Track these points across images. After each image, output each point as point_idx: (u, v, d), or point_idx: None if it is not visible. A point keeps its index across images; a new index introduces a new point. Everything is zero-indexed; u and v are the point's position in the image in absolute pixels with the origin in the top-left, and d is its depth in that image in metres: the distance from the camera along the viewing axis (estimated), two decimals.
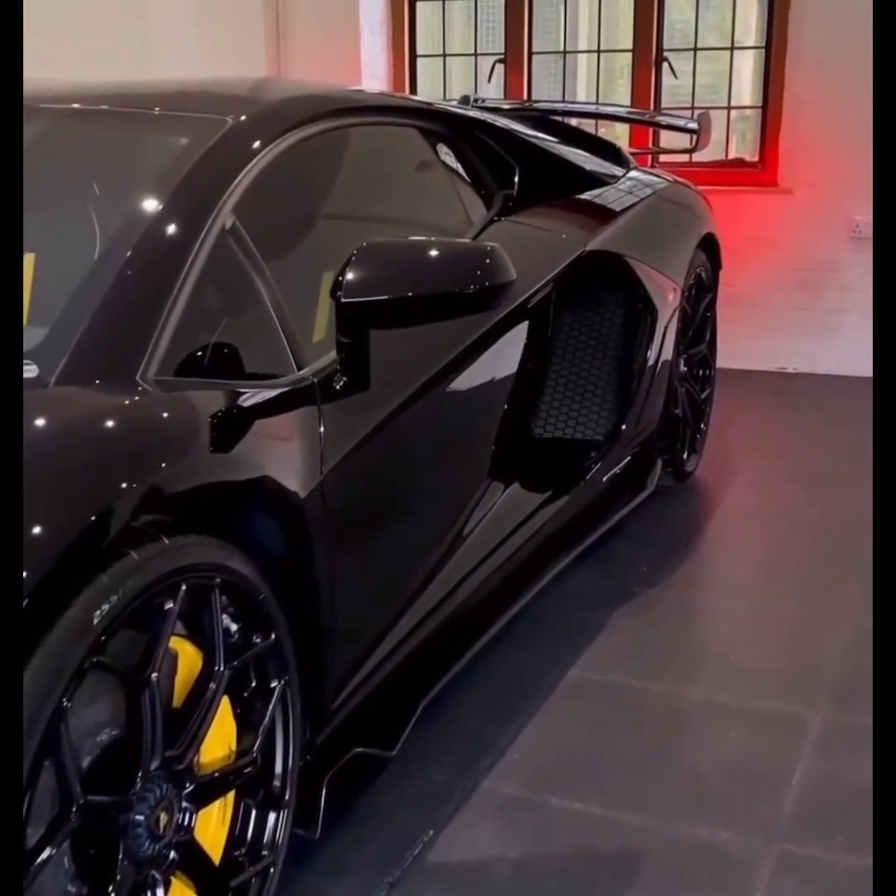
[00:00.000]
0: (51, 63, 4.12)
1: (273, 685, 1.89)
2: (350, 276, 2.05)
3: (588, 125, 6.38)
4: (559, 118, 4.53)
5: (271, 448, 1.93)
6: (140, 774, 1.62)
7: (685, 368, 4.26)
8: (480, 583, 2.96)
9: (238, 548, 1.78)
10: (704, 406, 4.49)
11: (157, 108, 2.58)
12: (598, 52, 6.40)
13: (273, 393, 2.01)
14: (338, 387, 2.15)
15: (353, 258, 2.08)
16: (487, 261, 2.14)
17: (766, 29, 5.93)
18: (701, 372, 4.51)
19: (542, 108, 4.79)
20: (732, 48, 6.17)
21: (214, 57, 6.22)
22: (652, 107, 6.28)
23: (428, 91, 6.64)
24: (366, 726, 2.29)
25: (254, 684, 1.88)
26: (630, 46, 6.16)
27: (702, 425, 4.46)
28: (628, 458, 3.74)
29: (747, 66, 6.62)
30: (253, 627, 1.84)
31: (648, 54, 6.11)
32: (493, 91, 6.54)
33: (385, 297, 2.06)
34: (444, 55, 6.57)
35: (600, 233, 3.45)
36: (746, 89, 6.64)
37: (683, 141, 4.91)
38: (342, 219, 2.75)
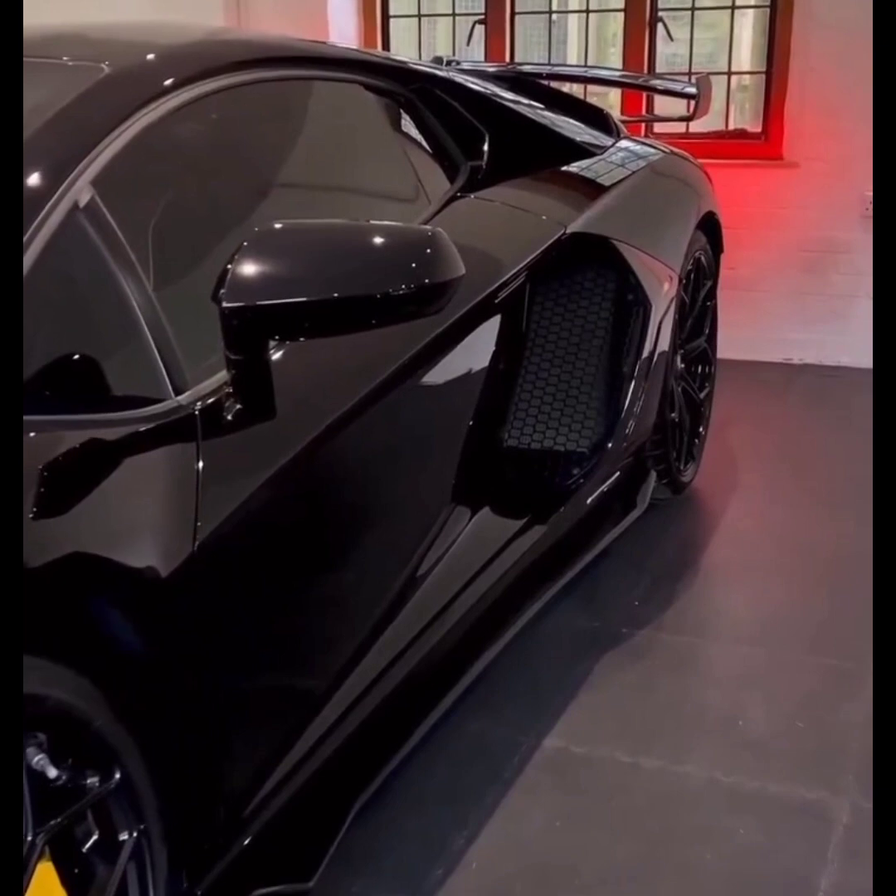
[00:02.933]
0: None
1: (122, 838, 1.38)
2: (238, 272, 1.53)
3: (578, 92, 5.87)
4: (544, 83, 3.99)
5: (123, 507, 1.41)
6: None
7: (682, 365, 3.75)
8: (438, 639, 2.46)
9: (60, 661, 1.26)
10: (703, 407, 3.97)
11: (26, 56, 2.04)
12: (587, 12, 5.86)
13: (130, 429, 1.49)
14: (228, 416, 1.63)
15: (243, 249, 1.55)
16: (428, 251, 1.62)
17: None
18: (700, 369, 3.99)
19: (525, 72, 4.27)
20: (733, 8, 5.63)
21: (170, 16, 5.67)
22: (646, 72, 5.74)
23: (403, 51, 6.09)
24: (275, 853, 1.77)
25: (95, 838, 1.36)
26: (622, 6, 5.60)
27: (700, 429, 3.94)
28: (617, 472, 3.23)
29: (748, 33, 6.12)
30: (85, 766, 1.32)
31: (642, 14, 5.56)
32: (472, 56, 6.01)
33: (285, 300, 1.53)
34: (420, 15, 6.03)
35: (584, 212, 2.93)
36: (747, 58, 6.14)
37: (680, 109, 4.37)
38: (251, 198, 2.20)
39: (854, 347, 5.42)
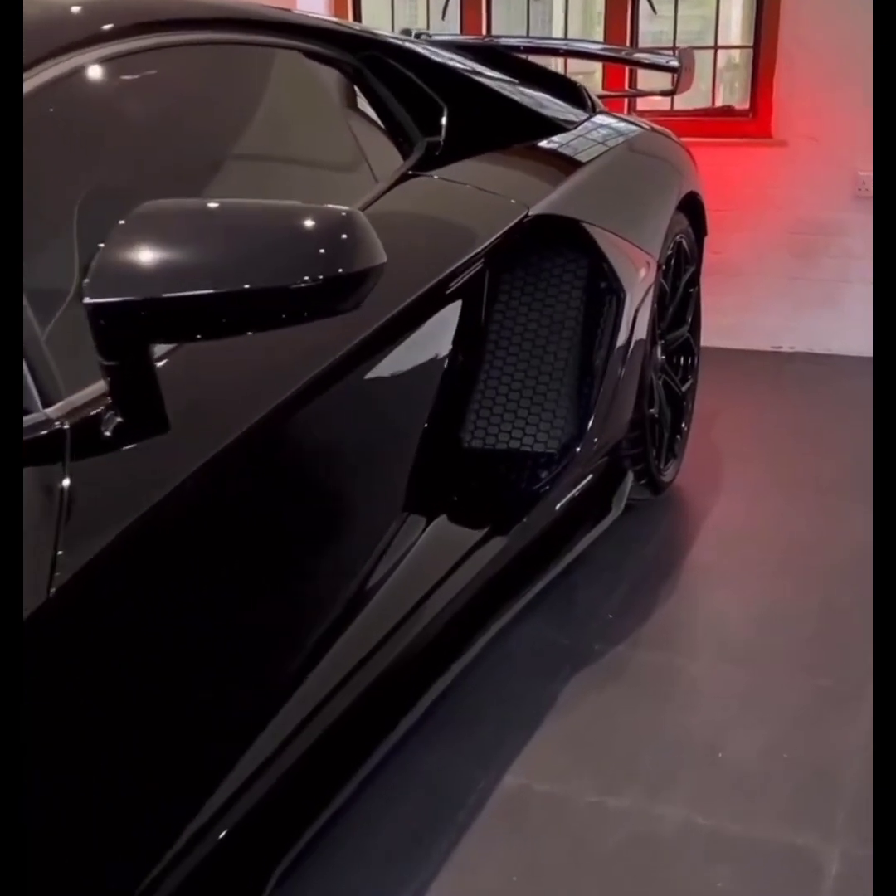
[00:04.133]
0: None
1: None
2: (107, 261, 1.28)
3: (561, 68, 5.62)
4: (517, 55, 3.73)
5: None
6: None
7: (663, 357, 3.50)
8: (388, 665, 2.20)
9: None
10: (686, 401, 3.72)
11: None
12: None
13: None
14: (107, 432, 1.37)
15: (115, 232, 1.30)
16: (343, 237, 1.36)
17: None
18: (682, 360, 3.75)
19: (502, 45, 4.02)
20: None
21: None
22: (629, 44, 5.48)
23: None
24: None
25: None
26: None
27: (683, 425, 3.69)
28: (590, 474, 2.98)
29: (738, 12, 5.87)
30: None
31: None
32: (449, 31, 5.75)
33: (164, 295, 1.27)
34: None
35: (550, 192, 2.67)
36: (737, 37, 5.90)
37: (664, 85, 4.12)
38: (159, 174, 1.94)
39: (846, 334, 5.19)
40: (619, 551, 3.21)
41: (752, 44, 5.26)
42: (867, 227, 5.03)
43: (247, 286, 1.29)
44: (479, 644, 2.45)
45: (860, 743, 2.34)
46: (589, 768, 2.28)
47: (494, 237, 2.38)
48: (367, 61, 2.60)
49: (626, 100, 5.51)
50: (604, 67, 5.56)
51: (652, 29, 5.98)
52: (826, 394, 4.73)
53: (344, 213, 1.37)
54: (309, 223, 1.35)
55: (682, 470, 3.68)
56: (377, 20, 5.87)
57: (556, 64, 5.67)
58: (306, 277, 1.31)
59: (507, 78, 3.12)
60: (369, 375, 2.12)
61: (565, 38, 5.71)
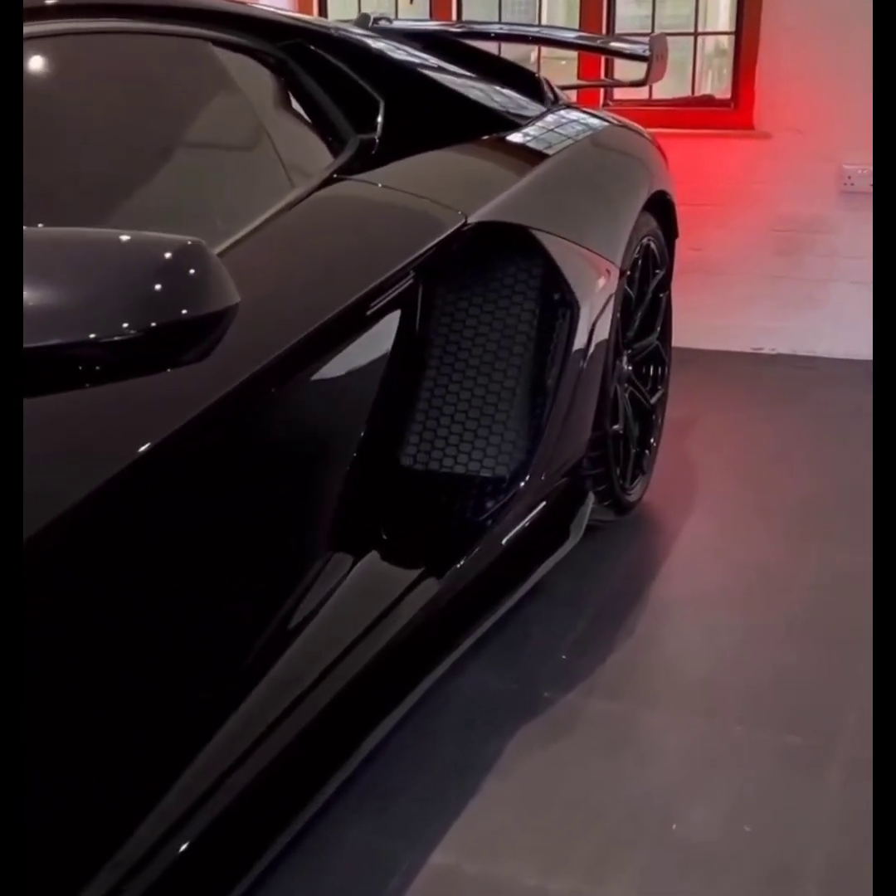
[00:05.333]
0: None
1: None
2: None
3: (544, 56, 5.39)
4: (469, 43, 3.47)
5: None
6: None
7: (629, 367, 3.26)
8: (306, 723, 1.97)
9: None
10: (655, 414, 3.48)
11: None
12: None
13: None
14: None
15: None
16: (191, 272, 1.12)
17: None
18: (651, 370, 3.50)
19: (468, 32, 3.78)
20: None
21: None
22: (605, 31, 5.23)
23: (342, 15, 5.56)
24: None
25: None
26: None
27: (651, 440, 3.45)
28: (543, 501, 2.75)
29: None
30: None
31: None
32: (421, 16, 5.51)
33: None
34: None
35: (494, 196, 2.42)
36: (724, 23, 5.64)
37: (641, 73, 3.87)
38: (35, 182, 1.68)
39: (831, 336, 4.96)
40: (577, 581, 2.98)
41: (733, 30, 5.01)
42: (854, 223, 4.80)
43: (58, 339, 1.05)
44: (413, 697, 2.21)
45: (830, 811, 2.11)
46: (528, 844, 2.04)
47: (424, 249, 2.13)
48: (291, 51, 2.35)
49: (601, 90, 5.27)
50: (579, 56, 5.31)
51: (639, 13, 5.73)
52: (809, 400, 4.49)
53: (189, 243, 1.13)
54: (140, 257, 1.10)
55: (652, 485, 3.45)
56: (346, 8, 5.61)
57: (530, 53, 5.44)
58: (141, 323, 1.06)
59: (456, 69, 2.87)
60: (285, 399, 1.89)
61: (539, 25, 5.46)
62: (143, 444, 1.41)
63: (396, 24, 3.57)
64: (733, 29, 5.02)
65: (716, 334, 5.03)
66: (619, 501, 3.20)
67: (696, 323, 4.87)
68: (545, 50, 5.84)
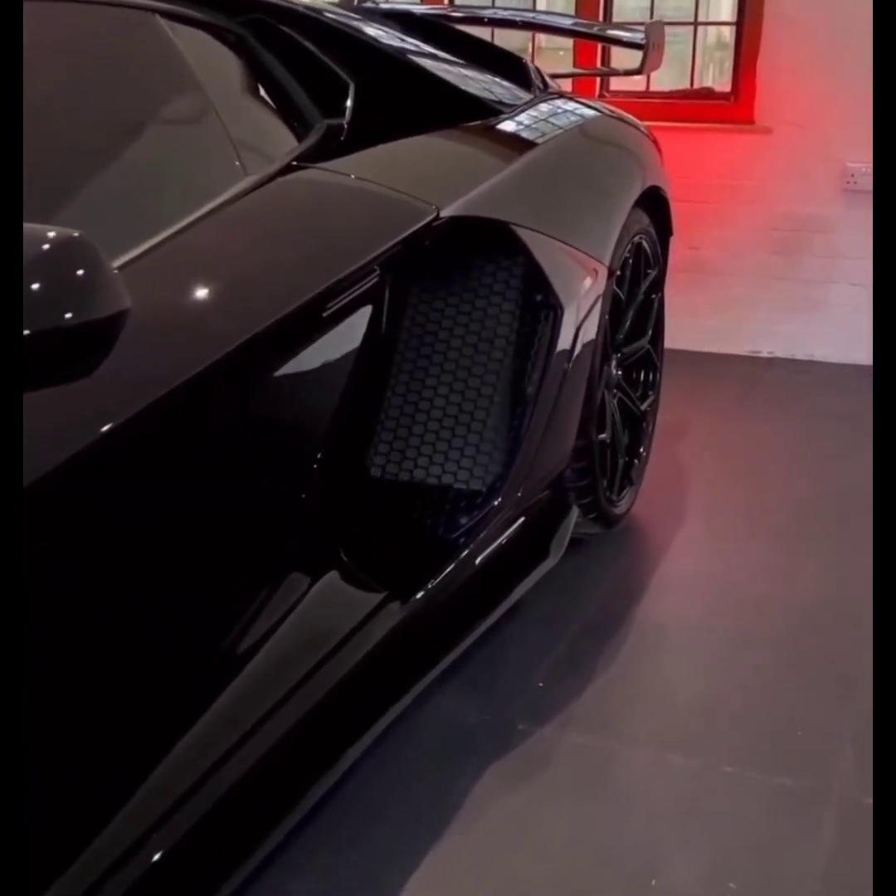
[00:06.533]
0: None
1: None
2: None
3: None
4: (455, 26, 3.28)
5: None
6: None
7: (618, 372, 3.08)
8: (254, 762, 1.80)
9: None
10: (646, 422, 3.30)
11: None
12: None
13: None
14: None
15: None
16: (79, 273, 0.93)
17: None
18: (642, 375, 3.32)
19: (461, 16, 3.61)
20: None
21: None
22: (602, 19, 5.04)
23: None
24: None
25: None
26: None
27: (641, 449, 3.27)
28: (522, 516, 2.56)
29: None
30: None
31: None
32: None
33: None
34: None
35: (471, 189, 2.24)
36: (727, 12, 5.45)
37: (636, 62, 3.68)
38: None
39: (830, 340, 4.78)
40: (558, 598, 2.80)
41: (734, 20, 4.83)
42: (856, 223, 4.62)
43: None
44: (369, 736, 2.03)
45: (822, 862, 1.93)
46: None
47: (388, 245, 1.94)
48: (252, 27, 2.17)
49: (597, 80, 5.09)
50: (574, 44, 5.13)
51: (640, 4, 5.54)
52: (806, 406, 4.32)
53: (75, 235, 0.94)
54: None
55: (640, 495, 3.27)
56: None
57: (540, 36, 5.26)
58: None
59: (437, 52, 2.68)
60: (226, 408, 1.71)
61: (534, 10, 5.27)
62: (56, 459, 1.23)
63: (384, 6, 3.38)
64: (734, 19, 4.82)
65: (711, 336, 4.86)
66: (606, 514, 3.01)
67: (690, 324, 4.69)
68: (543, 39, 5.68)
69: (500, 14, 4.35)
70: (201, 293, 1.59)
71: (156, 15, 1.93)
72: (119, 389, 1.29)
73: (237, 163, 1.92)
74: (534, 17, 4.59)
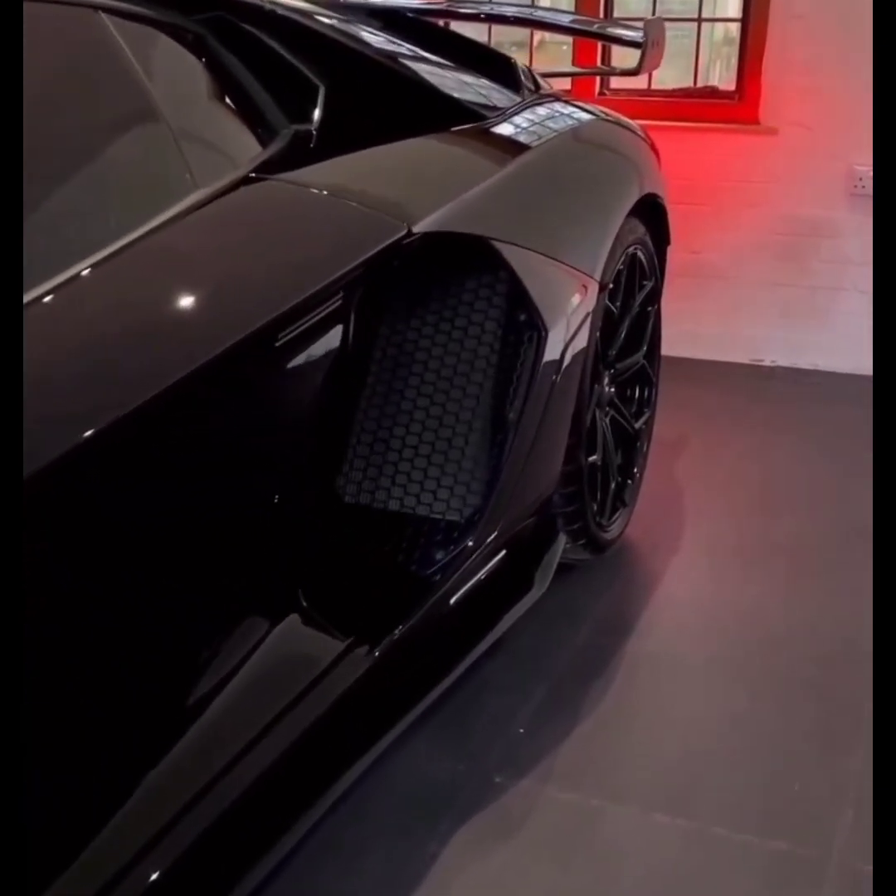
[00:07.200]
0: None
1: None
2: None
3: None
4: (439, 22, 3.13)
5: None
6: None
7: (611, 389, 2.92)
8: (207, 824, 1.65)
9: None
10: (640, 441, 3.14)
11: None
12: None
13: None
14: None
15: None
16: None
17: None
18: (636, 392, 3.16)
19: (455, 12, 3.46)
20: None
21: None
22: (603, 16, 4.87)
23: None
24: None
25: None
26: None
27: (634, 470, 3.11)
28: (504, 549, 2.40)
29: None
30: None
31: None
32: None
33: None
34: None
35: (447, 201, 2.07)
36: (735, 9, 5.25)
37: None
38: None
39: (835, 349, 4.62)
40: (542, 633, 2.64)
41: (739, 17, 4.65)
42: (863, 228, 4.46)
43: None
44: (332, 794, 1.87)
45: None
46: None
47: (350, 267, 1.78)
48: (211, 25, 2.00)
49: (597, 79, 4.91)
50: (574, 43, 4.96)
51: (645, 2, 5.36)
52: (810, 419, 4.15)
53: None
54: None
55: (634, 517, 3.11)
56: None
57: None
58: None
59: (417, 52, 2.52)
60: (177, 435, 1.56)
61: (532, 6, 5.09)
62: None
63: (371, 0, 3.22)
64: (740, 16, 4.65)
65: (712, 344, 4.70)
66: (596, 540, 2.86)
67: (690, 331, 4.54)
68: (545, 33, 5.51)
69: (498, 10, 4.19)
70: (129, 325, 1.44)
71: (99, 12, 1.76)
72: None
73: (187, 175, 1.75)
74: (531, 14, 4.42)
